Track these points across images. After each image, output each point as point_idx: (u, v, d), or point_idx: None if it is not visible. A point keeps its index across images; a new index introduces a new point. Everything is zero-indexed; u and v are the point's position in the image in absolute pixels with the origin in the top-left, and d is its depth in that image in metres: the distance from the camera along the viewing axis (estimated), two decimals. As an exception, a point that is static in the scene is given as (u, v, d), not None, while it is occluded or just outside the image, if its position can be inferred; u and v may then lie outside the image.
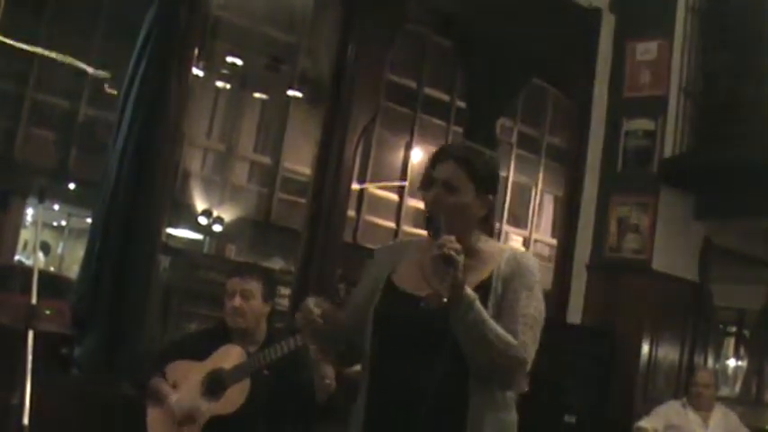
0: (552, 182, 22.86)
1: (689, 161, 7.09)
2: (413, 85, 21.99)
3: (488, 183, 2.76)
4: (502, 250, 2.76)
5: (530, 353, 2.60)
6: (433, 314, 2.57)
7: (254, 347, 4.02)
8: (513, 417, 2.70)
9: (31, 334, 3.59)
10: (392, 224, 22.51)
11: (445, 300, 2.55)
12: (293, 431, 4.10)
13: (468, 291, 2.54)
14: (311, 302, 2.79)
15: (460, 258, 2.49)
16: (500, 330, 2.54)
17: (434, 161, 2.79)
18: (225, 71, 20.26)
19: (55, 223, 22.21)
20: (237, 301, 4.05)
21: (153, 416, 4.08)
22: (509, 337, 2.55)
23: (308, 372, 3.99)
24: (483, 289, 2.65)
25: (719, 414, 6.33)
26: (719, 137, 7.07)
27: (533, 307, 2.65)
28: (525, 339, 2.59)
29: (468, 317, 2.51)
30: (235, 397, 3.92)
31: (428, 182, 2.76)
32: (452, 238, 2.54)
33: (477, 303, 2.54)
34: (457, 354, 2.56)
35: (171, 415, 4.00)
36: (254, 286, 4.09)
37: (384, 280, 2.76)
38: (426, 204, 2.77)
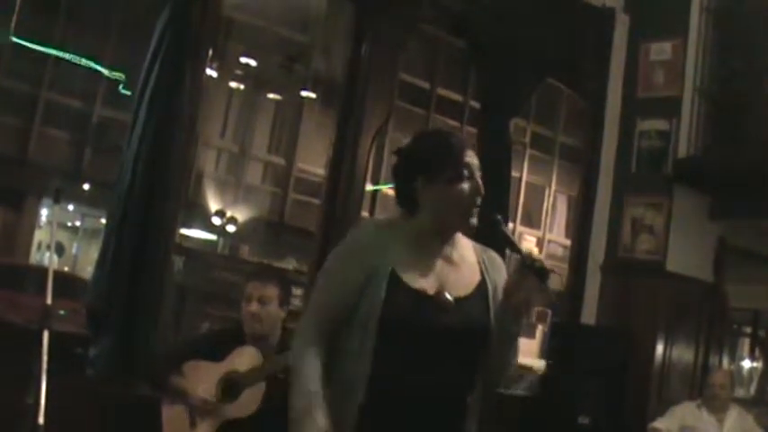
0: (566, 182, 22.86)
1: (703, 161, 7.06)
2: (426, 85, 22.00)
3: None
4: (468, 243, 2.71)
5: None
6: (447, 314, 2.55)
7: (269, 351, 4.02)
8: None
9: (45, 334, 3.60)
10: (405, 225, 22.47)
11: (450, 298, 2.54)
12: None
13: None
14: None
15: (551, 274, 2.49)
16: None
17: (462, 150, 2.60)
18: (238, 72, 20.35)
19: (69, 223, 22.30)
20: (255, 306, 4.04)
21: (168, 414, 4.09)
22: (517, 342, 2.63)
23: None
24: (482, 291, 2.65)
25: (734, 415, 6.30)
26: (734, 137, 7.04)
27: None
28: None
29: (522, 327, 2.55)
30: (250, 400, 3.91)
31: (464, 173, 2.58)
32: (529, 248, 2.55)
33: None
34: (467, 353, 2.58)
35: (187, 412, 4.01)
36: (272, 291, 4.07)
37: (386, 269, 2.53)
38: (471, 196, 2.57)
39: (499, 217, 2.60)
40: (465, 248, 2.69)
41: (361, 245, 2.63)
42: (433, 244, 2.62)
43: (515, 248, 2.53)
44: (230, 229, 21.28)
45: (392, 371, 2.50)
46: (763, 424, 6.40)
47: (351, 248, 2.65)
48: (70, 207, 20.80)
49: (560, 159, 23.52)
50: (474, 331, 2.57)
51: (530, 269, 2.47)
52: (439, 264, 2.61)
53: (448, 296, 2.56)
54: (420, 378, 2.51)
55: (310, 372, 2.54)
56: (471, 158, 2.59)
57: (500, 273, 2.67)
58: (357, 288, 2.54)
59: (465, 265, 2.65)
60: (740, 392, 11.36)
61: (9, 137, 17.95)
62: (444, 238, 2.63)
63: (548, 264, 2.49)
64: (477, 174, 2.59)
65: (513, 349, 2.61)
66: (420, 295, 2.54)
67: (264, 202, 22.03)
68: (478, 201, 2.58)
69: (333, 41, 18.94)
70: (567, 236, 22.11)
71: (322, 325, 2.59)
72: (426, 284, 2.56)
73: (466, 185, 2.57)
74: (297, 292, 6.79)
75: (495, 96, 6.90)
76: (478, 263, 2.68)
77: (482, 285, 2.64)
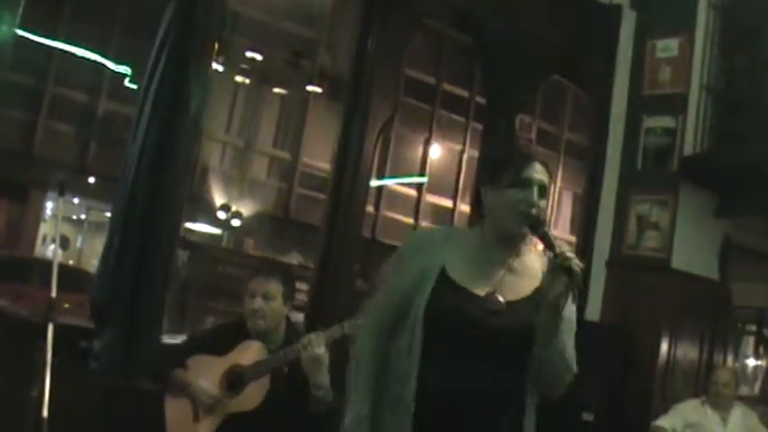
0: (571, 179, 22.83)
1: (709, 159, 7.04)
2: (432, 80, 21.98)
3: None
4: (536, 254, 2.79)
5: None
6: (496, 315, 2.61)
7: (274, 346, 4.01)
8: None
9: (50, 327, 3.61)
10: (410, 220, 22.53)
11: (501, 300, 2.62)
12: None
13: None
14: None
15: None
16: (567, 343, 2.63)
17: (525, 162, 2.72)
18: (244, 66, 20.34)
19: (74, 217, 22.33)
20: (258, 302, 4.02)
21: (171, 408, 4.09)
22: (571, 350, 2.64)
23: (301, 380, 3.87)
24: (538, 297, 2.69)
25: (739, 413, 6.29)
26: (740, 135, 7.03)
27: (574, 321, 2.72)
28: (574, 351, 2.68)
29: (560, 328, 2.57)
30: (254, 394, 3.91)
31: (520, 182, 2.67)
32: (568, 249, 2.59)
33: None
34: (518, 356, 2.61)
35: (191, 406, 4.01)
36: (276, 288, 4.06)
37: (437, 269, 2.66)
38: (522, 204, 2.65)
39: (540, 217, 2.67)
40: (531, 260, 2.76)
41: (419, 245, 2.79)
42: (495, 253, 2.71)
43: (551, 247, 2.59)
44: (235, 223, 21.28)
45: (437, 369, 2.59)
46: (767, 422, 6.39)
47: (409, 248, 2.82)
48: (75, 200, 20.82)
49: (566, 156, 23.48)
50: (522, 333, 2.61)
51: (560, 268, 2.53)
52: (498, 271, 2.69)
53: (500, 298, 2.63)
54: (464, 377, 2.57)
55: (363, 363, 2.72)
56: (534, 173, 2.69)
57: None
58: (411, 287, 2.67)
59: (527, 273, 2.72)
60: (744, 390, 11.34)
61: (14, 130, 17.97)
62: (507, 247, 2.71)
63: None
64: (536, 188, 2.67)
65: (556, 350, 2.60)
66: (467, 294, 2.63)
67: (269, 196, 22.03)
68: (531, 211, 2.65)
69: (339, 36, 18.95)
70: (571, 232, 22.09)
71: (381, 321, 2.75)
72: (478, 286, 2.65)
73: (520, 194, 2.66)
74: (301, 287, 6.80)
75: (500, 92, 6.89)
76: (542, 272, 2.73)
77: (539, 291, 2.69)
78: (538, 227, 2.64)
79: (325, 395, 3.82)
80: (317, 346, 3.79)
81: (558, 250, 2.55)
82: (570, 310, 2.67)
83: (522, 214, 2.64)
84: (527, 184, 2.67)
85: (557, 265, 2.54)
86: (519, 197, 2.65)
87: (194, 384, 4.00)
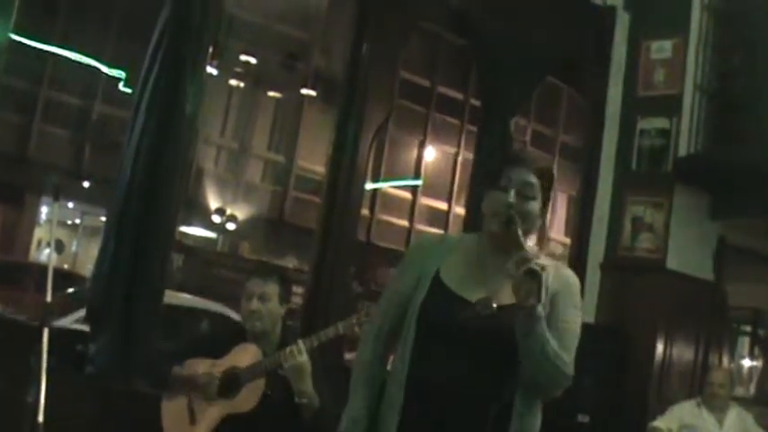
0: (566, 180, 22.83)
1: (704, 160, 7.06)
2: (426, 83, 22.00)
3: (549, 196, 2.80)
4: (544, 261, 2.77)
5: (572, 370, 2.65)
6: (484, 320, 2.60)
7: (270, 348, 4.02)
8: (540, 420, 2.75)
9: (45, 331, 3.60)
10: (405, 223, 22.54)
11: (495, 306, 2.60)
12: None
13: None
14: None
15: (544, 274, 2.50)
16: (557, 347, 2.59)
17: (509, 164, 2.75)
18: (239, 69, 20.35)
19: (69, 221, 22.29)
20: (255, 304, 4.04)
21: (168, 411, 4.09)
22: (563, 355, 2.60)
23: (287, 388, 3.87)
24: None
25: (734, 414, 6.29)
26: (735, 136, 7.05)
27: (578, 324, 2.71)
28: (571, 357, 2.65)
29: (536, 330, 2.54)
30: (250, 396, 3.92)
31: (502, 183, 2.69)
32: (536, 252, 2.60)
33: (544, 318, 2.57)
34: (506, 360, 2.60)
35: (187, 408, 4.01)
36: (273, 289, 4.07)
37: (431, 274, 2.72)
38: (500, 204, 2.66)
39: (515, 216, 2.64)
40: None
41: (418, 251, 2.88)
42: (491, 258, 2.71)
43: (519, 247, 2.58)
44: (230, 226, 21.28)
45: (427, 370, 2.63)
46: (762, 423, 6.39)
47: (409, 255, 2.91)
48: (70, 204, 20.81)
49: (560, 158, 23.49)
50: (512, 336, 2.58)
51: (523, 270, 2.50)
52: (495, 277, 2.67)
53: (492, 303, 2.62)
54: (453, 379, 2.60)
55: (361, 365, 2.80)
56: (517, 174, 2.70)
57: (567, 289, 2.71)
58: (408, 292, 2.74)
59: None
60: (740, 391, 11.34)
61: (9, 134, 17.96)
62: (502, 252, 2.68)
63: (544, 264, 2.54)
64: (514, 189, 2.66)
65: (539, 352, 2.56)
66: (459, 299, 2.67)
67: (264, 199, 22.04)
68: (508, 211, 2.63)
69: (333, 39, 18.95)
70: (566, 234, 22.12)
71: (380, 325, 2.83)
72: (471, 291, 2.67)
73: (500, 195, 2.68)
74: (296, 290, 6.79)
75: (495, 94, 6.90)
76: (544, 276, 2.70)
77: None
78: (510, 224, 2.63)
79: (309, 403, 3.83)
80: (298, 355, 3.80)
81: (521, 252, 2.54)
82: (573, 316, 2.68)
83: (500, 215, 2.65)
84: (507, 185, 2.68)
85: (517, 267, 2.52)
86: (497, 198, 2.67)
87: (196, 373, 4.00)
